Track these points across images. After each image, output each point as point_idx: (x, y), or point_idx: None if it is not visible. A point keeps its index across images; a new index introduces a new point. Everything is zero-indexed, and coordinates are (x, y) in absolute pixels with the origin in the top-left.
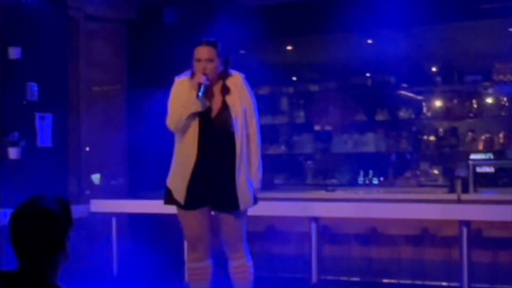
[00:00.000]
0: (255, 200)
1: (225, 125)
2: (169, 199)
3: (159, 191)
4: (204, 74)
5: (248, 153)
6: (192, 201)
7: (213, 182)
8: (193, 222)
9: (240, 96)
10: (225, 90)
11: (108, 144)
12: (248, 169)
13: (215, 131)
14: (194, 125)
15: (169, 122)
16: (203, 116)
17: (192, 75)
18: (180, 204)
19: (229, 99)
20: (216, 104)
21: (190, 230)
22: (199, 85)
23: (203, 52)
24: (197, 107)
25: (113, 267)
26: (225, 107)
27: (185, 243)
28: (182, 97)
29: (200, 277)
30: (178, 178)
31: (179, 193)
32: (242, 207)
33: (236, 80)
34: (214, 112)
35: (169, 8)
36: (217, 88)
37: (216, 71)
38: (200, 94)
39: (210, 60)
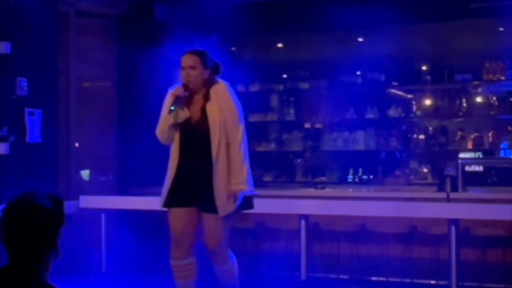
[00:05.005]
0: (245, 206)
1: (203, 132)
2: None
3: (148, 188)
4: (186, 84)
5: (229, 160)
6: (173, 201)
7: (194, 186)
8: (176, 219)
9: (220, 104)
10: (206, 98)
11: (97, 140)
12: (228, 175)
13: (195, 138)
14: (177, 133)
15: (157, 133)
16: (185, 124)
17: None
18: (165, 204)
19: (208, 107)
20: (196, 112)
21: (173, 227)
22: (176, 98)
23: (186, 60)
24: (170, 119)
25: (102, 263)
26: (204, 114)
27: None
28: (167, 108)
29: (184, 274)
30: (165, 183)
31: (164, 195)
32: (221, 214)
33: (219, 88)
34: (194, 120)
35: (160, 4)
36: (200, 96)
37: (199, 78)
38: (172, 108)
39: (192, 67)
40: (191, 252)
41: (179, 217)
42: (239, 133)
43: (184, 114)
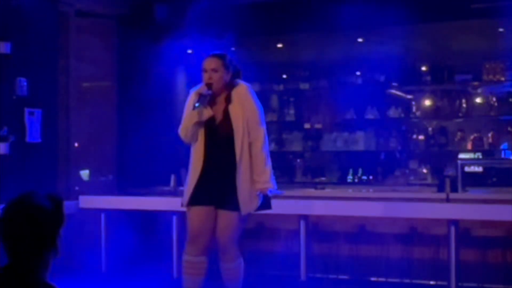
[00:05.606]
0: (264, 205)
1: (227, 132)
2: (182, 201)
3: (148, 188)
4: (210, 84)
5: (251, 159)
6: (196, 199)
7: (218, 185)
8: (196, 217)
9: (242, 105)
10: (228, 100)
11: (97, 140)
12: (251, 174)
13: (218, 139)
14: (201, 133)
15: (179, 131)
16: (208, 124)
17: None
18: (188, 202)
19: (231, 108)
20: (219, 113)
21: (191, 224)
22: (200, 95)
23: (208, 62)
24: (194, 117)
25: (101, 263)
26: (227, 115)
27: (174, 238)
28: (190, 108)
29: (194, 271)
30: (188, 182)
31: (187, 194)
32: (243, 211)
33: (241, 90)
34: (217, 120)
35: (160, 4)
36: (222, 98)
37: (221, 81)
38: (196, 104)
39: (215, 70)
40: (205, 251)
41: (199, 215)
42: (261, 134)
43: (207, 112)
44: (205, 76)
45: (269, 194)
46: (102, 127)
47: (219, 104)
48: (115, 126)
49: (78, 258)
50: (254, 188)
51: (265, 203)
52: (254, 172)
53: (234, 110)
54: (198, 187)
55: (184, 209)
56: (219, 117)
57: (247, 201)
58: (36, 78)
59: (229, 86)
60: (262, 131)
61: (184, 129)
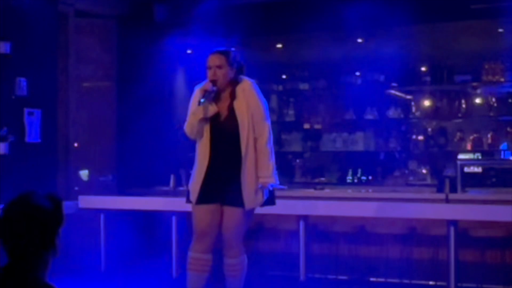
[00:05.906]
0: (268, 201)
1: (232, 128)
2: (188, 198)
3: (147, 188)
4: (214, 80)
5: (256, 155)
6: (203, 197)
7: (223, 181)
8: (203, 215)
9: (247, 101)
10: (233, 96)
11: (96, 140)
12: (256, 169)
13: (224, 134)
14: (207, 129)
15: (185, 128)
16: (214, 121)
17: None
18: (197, 201)
19: (236, 104)
20: (224, 109)
21: (198, 222)
22: (205, 92)
23: (213, 59)
24: (200, 113)
25: (101, 263)
26: (232, 111)
27: (174, 238)
28: (194, 105)
29: (199, 268)
30: (195, 179)
31: (194, 192)
32: (247, 206)
33: (245, 86)
34: (222, 117)
35: (160, 4)
36: (226, 94)
37: (226, 77)
38: (201, 100)
39: (219, 67)
40: (211, 249)
41: (206, 213)
42: (266, 129)
43: (212, 108)
44: (210, 73)
45: (270, 188)
46: (101, 127)
47: (224, 100)
48: (114, 126)
49: (77, 258)
50: (258, 182)
51: (270, 199)
52: (258, 167)
53: (239, 106)
54: (204, 184)
55: (187, 205)
56: (224, 113)
57: (252, 196)
58: (35, 78)
59: (234, 82)
60: (267, 126)
61: (190, 125)
